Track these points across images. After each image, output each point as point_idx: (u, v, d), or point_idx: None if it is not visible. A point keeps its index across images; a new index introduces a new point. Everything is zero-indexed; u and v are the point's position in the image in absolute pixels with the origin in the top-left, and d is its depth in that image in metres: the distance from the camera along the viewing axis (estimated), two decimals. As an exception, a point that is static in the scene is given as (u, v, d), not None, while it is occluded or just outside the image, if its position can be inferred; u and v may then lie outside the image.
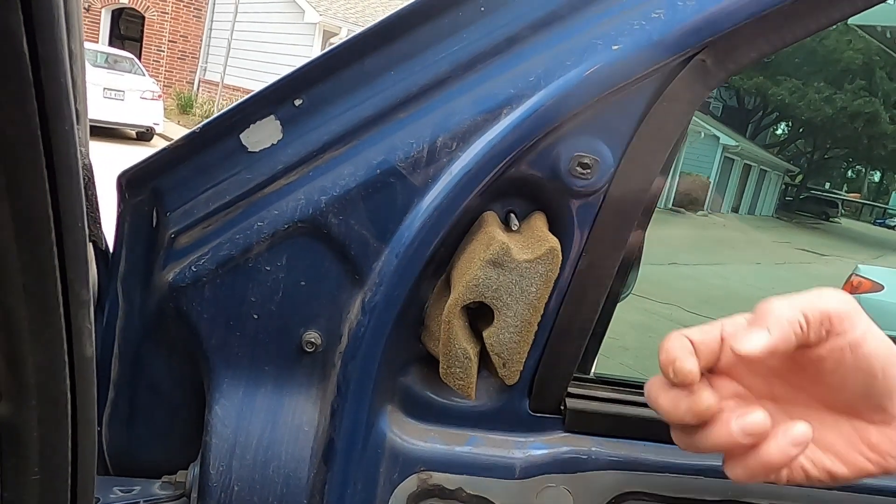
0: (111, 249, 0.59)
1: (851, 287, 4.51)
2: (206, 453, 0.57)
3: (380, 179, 0.53)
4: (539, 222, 0.56)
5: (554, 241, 0.53)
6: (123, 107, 10.46)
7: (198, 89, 15.72)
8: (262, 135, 0.53)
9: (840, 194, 28.60)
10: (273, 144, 0.54)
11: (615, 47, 0.51)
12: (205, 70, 15.96)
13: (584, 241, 0.56)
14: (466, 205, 0.52)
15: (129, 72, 11.22)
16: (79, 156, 0.34)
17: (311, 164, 0.53)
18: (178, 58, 15.74)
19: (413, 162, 0.52)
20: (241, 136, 0.53)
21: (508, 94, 0.52)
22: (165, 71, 15.48)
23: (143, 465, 0.64)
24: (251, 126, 0.53)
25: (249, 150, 0.54)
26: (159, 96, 11.22)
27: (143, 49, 15.32)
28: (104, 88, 10.17)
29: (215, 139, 0.53)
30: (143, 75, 11.48)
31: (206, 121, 0.54)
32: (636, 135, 0.54)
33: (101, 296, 0.60)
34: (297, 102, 0.53)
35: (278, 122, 0.53)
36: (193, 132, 0.53)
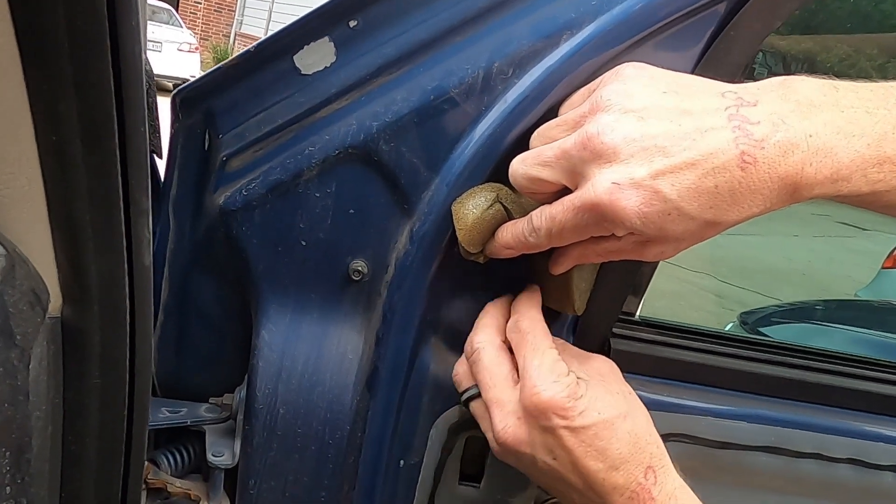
0: (163, 171, 0.59)
1: (894, 261, 4.37)
2: (253, 376, 0.58)
3: (433, 106, 0.52)
4: None
5: None
6: (161, 58, 10.51)
7: (234, 43, 15.69)
8: (316, 57, 0.53)
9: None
10: (326, 67, 0.53)
11: None
12: (240, 23, 15.90)
13: None
14: (521, 134, 0.51)
15: (167, 23, 11.24)
16: (142, 55, 0.34)
17: (364, 88, 0.53)
18: (215, 10, 15.69)
19: (467, 88, 0.51)
20: (294, 57, 0.53)
21: (569, 18, 0.50)
22: (202, 23, 15.47)
23: (190, 388, 0.65)
24: (305, 48, 0.52)
25: (303, 72, 0.53)
26: (196, 49, 11.24)
27: (181, 1, 15.30)
28: (142, 39, 10.22)
29: (269, 60, 0.53)
30: (181, 27, 11.50)
31: (260, 40, 0.53)
32: (698, 67, 0.52)
33: (152, 217, 0.60)
34: (352, 24, 0.52)
35: (332, 43, 0.52)
36: (248, 51, 0.53)
